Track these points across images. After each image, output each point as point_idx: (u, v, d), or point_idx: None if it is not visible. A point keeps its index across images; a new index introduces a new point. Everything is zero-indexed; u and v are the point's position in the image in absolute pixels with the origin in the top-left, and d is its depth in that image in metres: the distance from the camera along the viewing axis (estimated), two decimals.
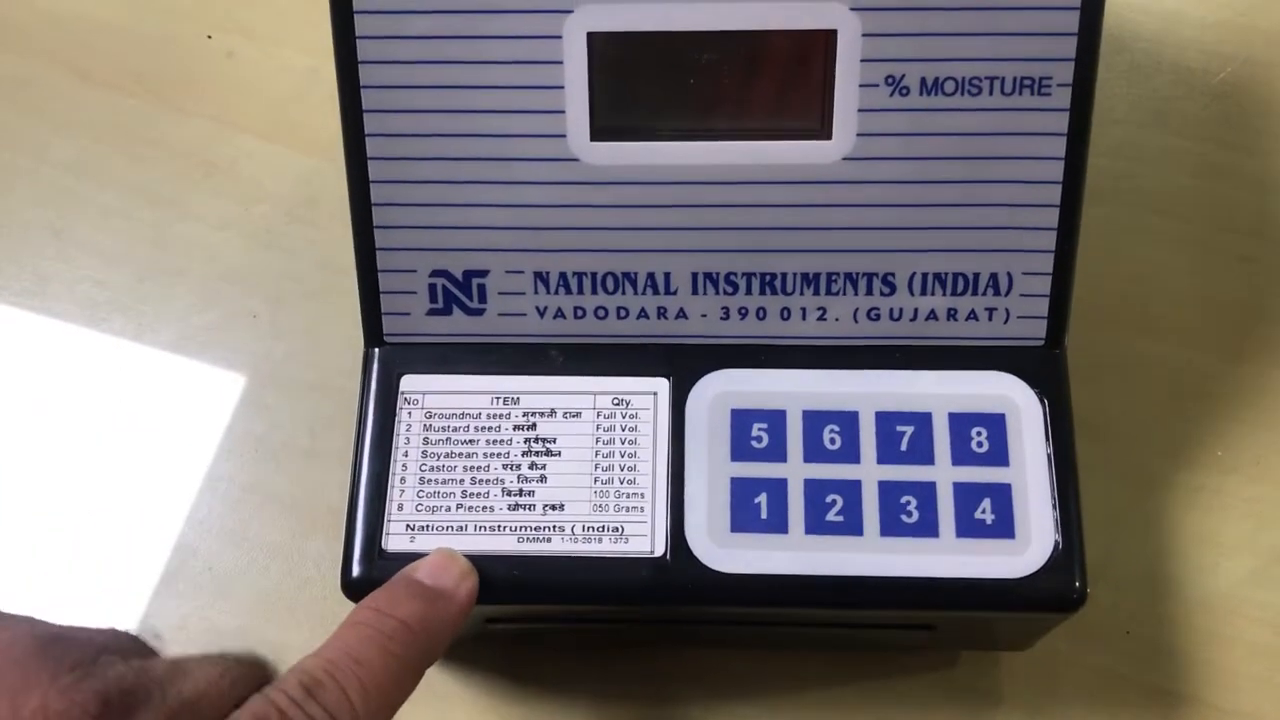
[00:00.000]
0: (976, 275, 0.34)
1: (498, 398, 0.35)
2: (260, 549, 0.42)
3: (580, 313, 0.35)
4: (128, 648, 0.28)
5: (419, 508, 0.34)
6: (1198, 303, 0.44)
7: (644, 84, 0.33)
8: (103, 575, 0.41)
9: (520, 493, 0.34)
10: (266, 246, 0.46)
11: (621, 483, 0.34)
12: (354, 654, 0.29)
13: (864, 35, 0.32)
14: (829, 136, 0.33)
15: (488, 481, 0.34)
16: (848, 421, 0.34)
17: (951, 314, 0.34)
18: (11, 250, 0.46)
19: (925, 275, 0.34)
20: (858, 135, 0.33)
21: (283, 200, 0.47)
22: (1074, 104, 0.32)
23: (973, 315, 0.34)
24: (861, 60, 0.32)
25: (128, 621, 0.40)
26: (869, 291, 0.34)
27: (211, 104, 0.49)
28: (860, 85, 0.32)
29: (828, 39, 0.32)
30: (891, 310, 0.34)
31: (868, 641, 0.38)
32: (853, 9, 0.31)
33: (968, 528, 0.33)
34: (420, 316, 0.35)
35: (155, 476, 0.43)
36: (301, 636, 0.40)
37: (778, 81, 0.33)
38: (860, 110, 0.32)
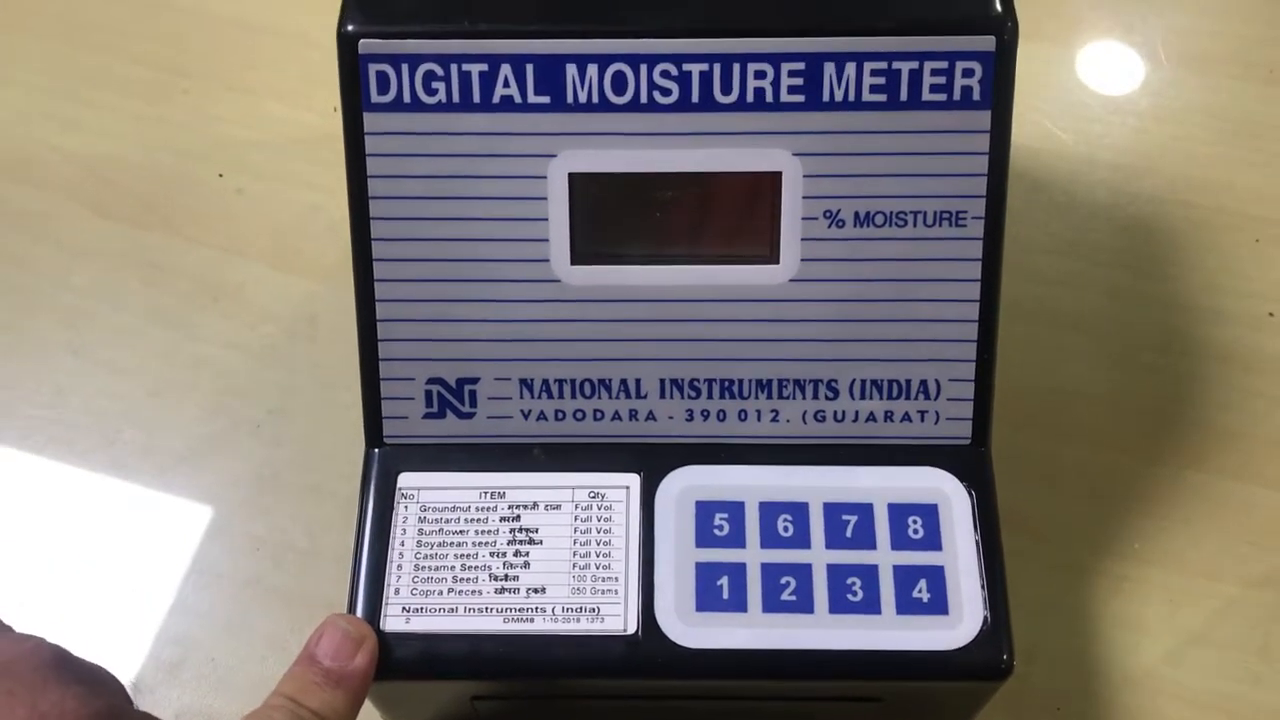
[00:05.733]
0: (909, 381, 0.39)
1: (485, 492, 0.39)
2: (260, 641, 0.45)
3: (560, 415, 0.39)
4: (115, 688, 0.32)
5: (414, 591, 0.37)
6: (1113, 411, 0.49)
7: (618, 216, 0.38)
8: (111, 666, 0.44)
9: (506, 577, 0.37)
10: (269, 363, 0.50)
11: (597, 568, 0.37)
12: None
13: (805, 176, 0.37)
14: (777, 262, 0.37)
15: (476, 568, 0.38)
16: (799, 511, 0.38)
17: (888, 416, 0.39)
18: (33, 368, 0.50)
19: (864, 382, 0.39)
20: (802, 261, 0.37)
21: (285, 320, 0.51)
22: (986, 233, 0.37)
23: (906, 417, 0.39)
24: (804, 197, 0.37)
25: None
26: (815, 396, 0.39)
27: (221, 235, 0.54)
28: (803, 218, 0.37)
29: (774, 180, 0.37)
30: (835, 413, 0.39)
31: (820, 716, 0.41)
32: (795, 154, 0.37)
33: (906, 605, 0.37)
34: (417, 420, 0.39)
35: (162, 573, 0.46)
36: None
37: (732, 215, 0.38)
38: (803, 239, 0.37)
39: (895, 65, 0.36)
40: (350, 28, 0.36)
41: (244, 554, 0.47)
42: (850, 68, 0.36)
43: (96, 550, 0.46)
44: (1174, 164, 0.55)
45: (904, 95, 0.36)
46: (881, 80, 0.36)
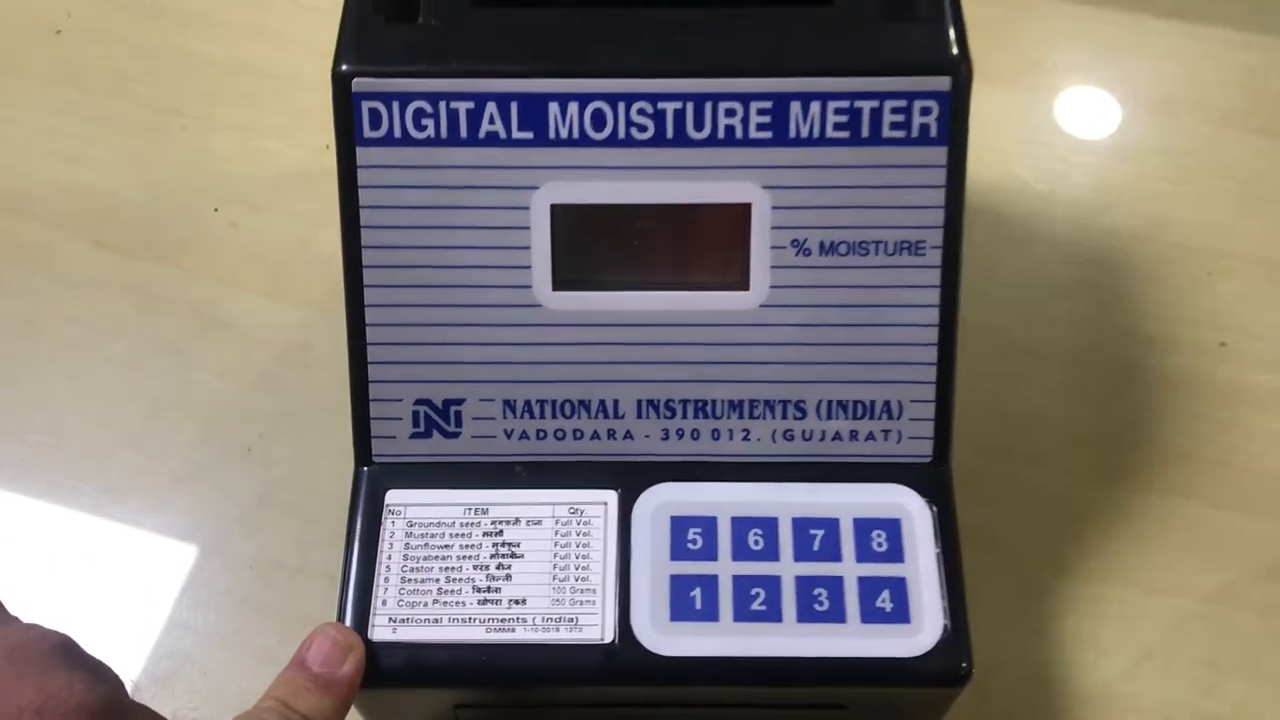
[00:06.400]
0: (872, 402, 0.41)
1: (470, 508, 0.40)
2: (251, 655, 0.46)
3: (542, 435, 0.41)
4: (115, 679, 0.33)
5: (400, 603, 0.39)
6: (1071, 436, 0.51)
7: (597, 245, 0.40)
8: None
9: (488, 589, 0.39)
10: (262, 388, 0.52)
11: (576, 580, 0.39)
12: None
13: (773, 208, 0.39)
14: (747, 288, 0.40)
15: (460, 580, 0.39)
16: (769, 526, 0.40)
17: (853, 435, 0.41)
18: (33, 394, 0.52)
19: (830, 402, 0.41)
20: (771, 287, 0.40)
21: (277, 348, 0.53)
22: (944, 262, 0.39)
23: (871, 436, 0.41)
24: (772, 228, 0.39)
25: None
26: (784, 416, 0.41)
27: (215, 266, 0.55)
28: (772, 247, 0.39)
29: (745, 211, 0.39)
30: (803, 432, 0.41)
31: None
32: (764, 187, 0.39)
33: (871, 615, 0.38)
34: (404, 439, 0.41)
35: (157, 590, 0.48)
36: None
37: (706, 244, 0.40)
38: (772, 267, 0.39)
39: (857, 104, 0.38)
40: (344, 67, 0.38)
41: (236, 572, 0.48)
42: (815, 106, 0.38)
43: (94, 568, 0.48)
44: (1131, 201, 0.57)
45: (865, 132, 0.38)
46: (844, 118, 0.38)
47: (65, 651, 0.32)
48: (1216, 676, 0.46)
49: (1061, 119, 0.61)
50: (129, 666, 0.46)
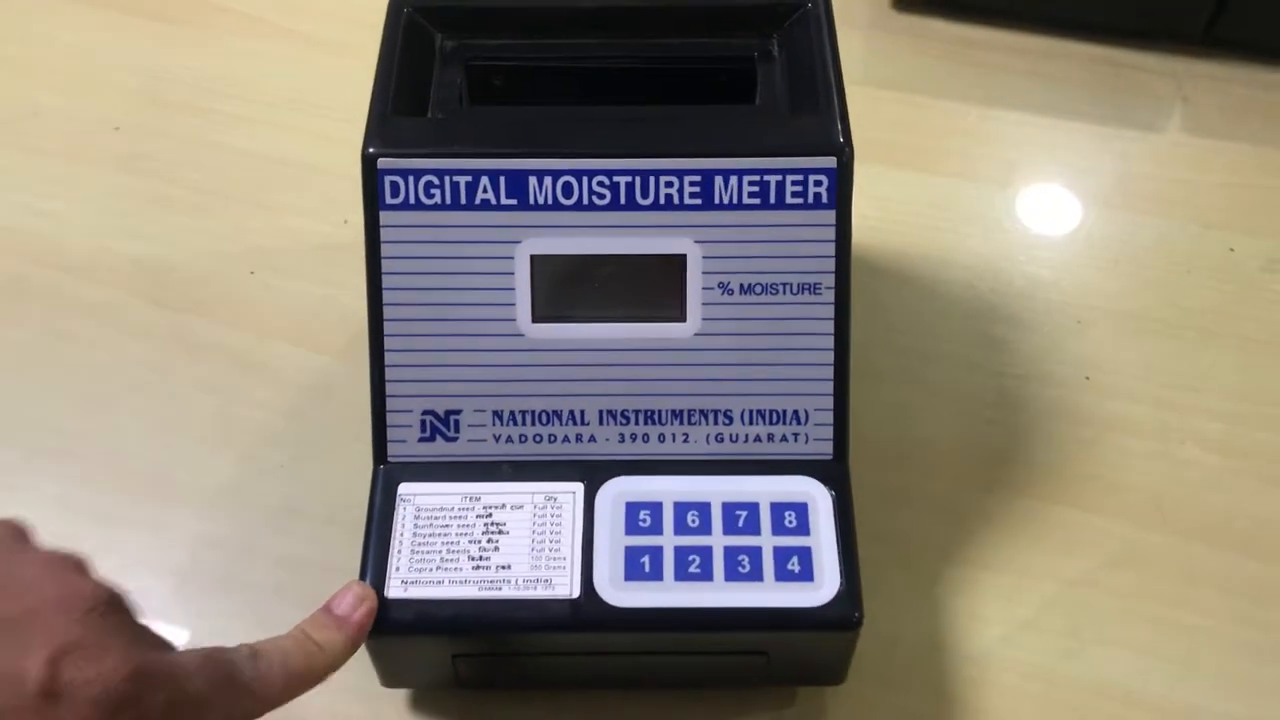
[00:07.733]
0: (785, 411, 0.51)
1: (465, 497, 0.51)
2: (282, 630, 0.56)
3: (523, 439, 0.51)
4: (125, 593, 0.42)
5: (410, 568, 0.49)
6: (961, 453, 0.61)
7: (568, 286, 0.50)
8: None
9: (480, 558, 0.49)
10: (291, 421, 0.62)
11: (550, 550, 0.49)
12: (285, 649, 0.44)
13: (704, 258, 0.50)
14: (685, 321, 0.50)
15: (458, 551, 0.49)
16: (703, 509, 0.50)
17: (770, 437, 0.51)
18: (99, 426, 0.62)
19: (752, 411, 0.51)
20: (703, 320, 0.50)
21: (303, 388, 0.64)
22: (837, 299, 0.50)
23: (784, 438, 0.51)
24: (703, 273, 0.50)
25: None
26: (715, 423, 0.51)
27: (252, 321, 0.66)
28: (703, 288, 0.50)
29: (681, 260, 0.50)
30: (731, 435, 0.51)
31: (722, 671, 0.52)
32: (696, 241, 0.50)
33: (783, 575, 0.48)
34: (413, 443, 0.51)
35: (205, 582, 0.57)
36: (314, 696, 0.54)
37: (652, 286, 0.50)
38: (704, 304, 0.50)
39: (766, 177, 0.49)
40: (371, 150, 0.49)
41: (270, 568, 0.58)
42: (734, 179, 0.49)
43: (153, 562, 0.58)
44: (1015, 264, 0.69)
45: (773, 199, 0.49)
46: (757, 188, 0.49)
47: (84, 565, 0.42)
48: (1077, 643, 0.55)
49: (957, 198, 0.72)
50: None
